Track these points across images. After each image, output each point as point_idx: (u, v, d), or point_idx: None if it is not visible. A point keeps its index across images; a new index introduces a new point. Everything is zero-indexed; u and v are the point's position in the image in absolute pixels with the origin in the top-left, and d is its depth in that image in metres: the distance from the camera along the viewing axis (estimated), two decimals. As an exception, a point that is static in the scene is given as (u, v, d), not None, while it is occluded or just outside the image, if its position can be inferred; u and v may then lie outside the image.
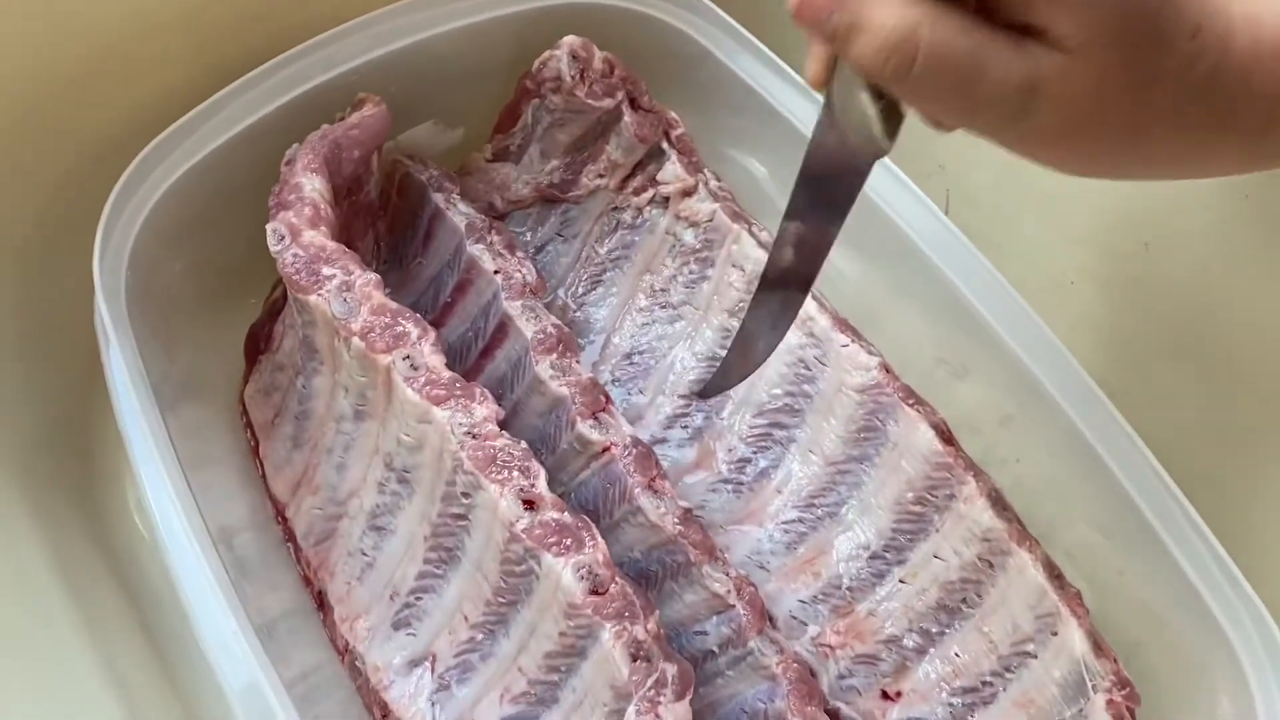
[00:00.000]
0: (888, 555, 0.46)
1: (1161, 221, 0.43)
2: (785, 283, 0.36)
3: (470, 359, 0.48)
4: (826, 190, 0.34)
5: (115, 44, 0.45)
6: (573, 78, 0.49)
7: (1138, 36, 0.26)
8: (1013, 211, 0.48)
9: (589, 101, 0.49)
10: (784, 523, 0.48)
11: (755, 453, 0.49)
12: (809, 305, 0.48)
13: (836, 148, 0.32)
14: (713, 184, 0.51)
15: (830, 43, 0.28)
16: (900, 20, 0.26)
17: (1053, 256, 0.48)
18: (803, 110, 0.49)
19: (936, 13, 0.26)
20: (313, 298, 0.41)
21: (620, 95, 0.50)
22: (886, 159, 0.48)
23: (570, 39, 0.48)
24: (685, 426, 0.50)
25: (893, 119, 0.29)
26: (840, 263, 0.52)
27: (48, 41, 0.43)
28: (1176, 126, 0.28)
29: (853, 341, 0.47)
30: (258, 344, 0.49)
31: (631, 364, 0.51)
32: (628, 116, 0.50)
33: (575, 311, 0.53)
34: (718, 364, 0.50)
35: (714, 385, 0.42)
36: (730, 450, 0.50)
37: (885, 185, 0.48)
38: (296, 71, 0.45)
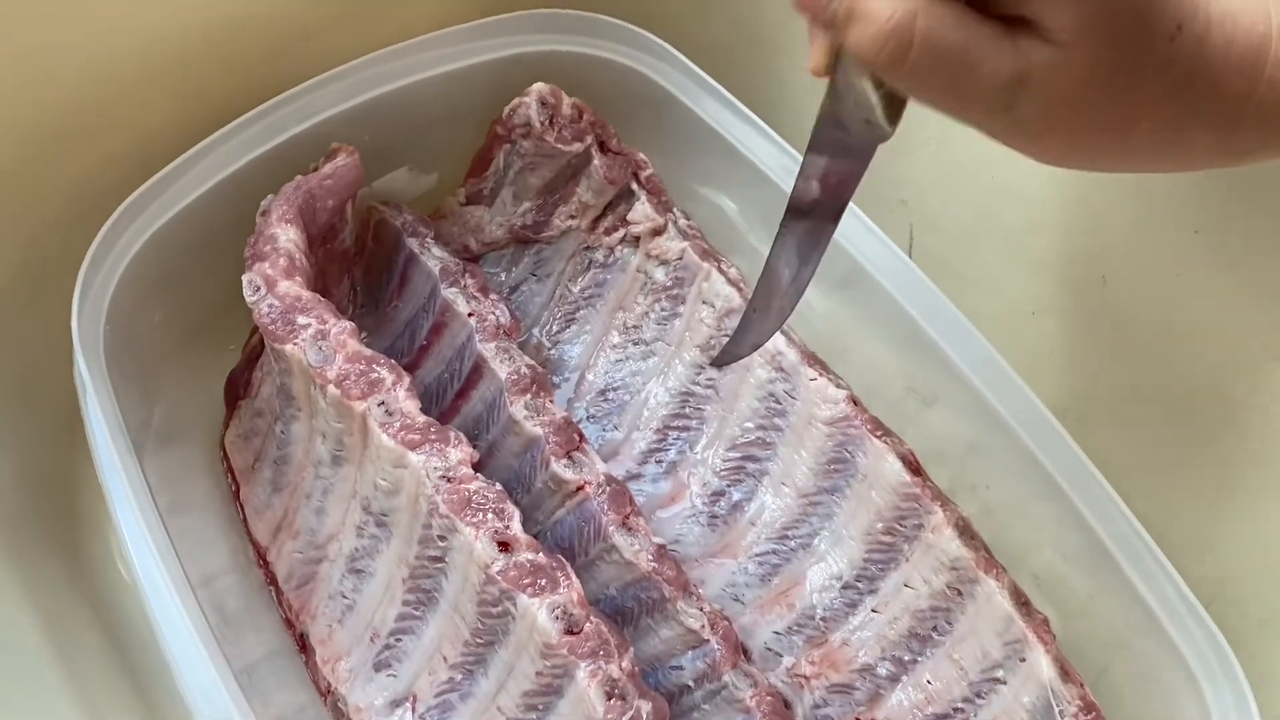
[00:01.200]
0: (860, 585, 0.47)
1: (1118, 255, 0.44)
2: (812, 214, 0.37)
3: (446, 400, 0.49)
4: (836, 170, 0.35)
5: (91, 99, 0.46)
6: (542, 123, 0.50)
7: (1124, 33, 0.28)
8: (975, 245, 0.49)
9: (559, 146, 0.50)
10: (758, 555, 0.49)
11: (729, 485, 0.50)
12: (778, 339, 0.49)
13: (840, 137, 0.33)
14: (682, 223, 0.52)
15: (829, 30, 0.29)
16: (897, 9, 0.27)
17: (1014, 288, 0.49)
18: (765, 151, 0.51)
19: (931, 3, 0.27)
20: (288, 347, 0.42)
21: (589, 139, 0.51)
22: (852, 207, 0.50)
23: (539, 86, 0.49)
24: (660, 461, 0.51)
25: (894, 105, 0.30)
26: (810, 297, 0.53)
27: (24, 97, 0.44)
28: (1156, 120, 0.29)
29: (821, 375, 0.48)
30: (237, 390, 0.49)
31: (606, 400, 0.52)
32: (597, 159, 0.51)
33: (550, 350, 0.54)
34: (690, 399, 0.51)
35: (729, 352, 0.42)
36: (704, 484, 0.50)
37: (848, 224, 0.49)
38: (270, 124, 0.46)
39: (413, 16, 0.51)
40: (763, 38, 0.55)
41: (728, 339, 0.42)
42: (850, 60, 0.30)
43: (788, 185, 0.50)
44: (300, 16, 0.49)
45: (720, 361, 0.44)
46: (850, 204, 0.49)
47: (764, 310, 0.40)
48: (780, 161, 0.50)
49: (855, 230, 0.49)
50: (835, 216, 0.36)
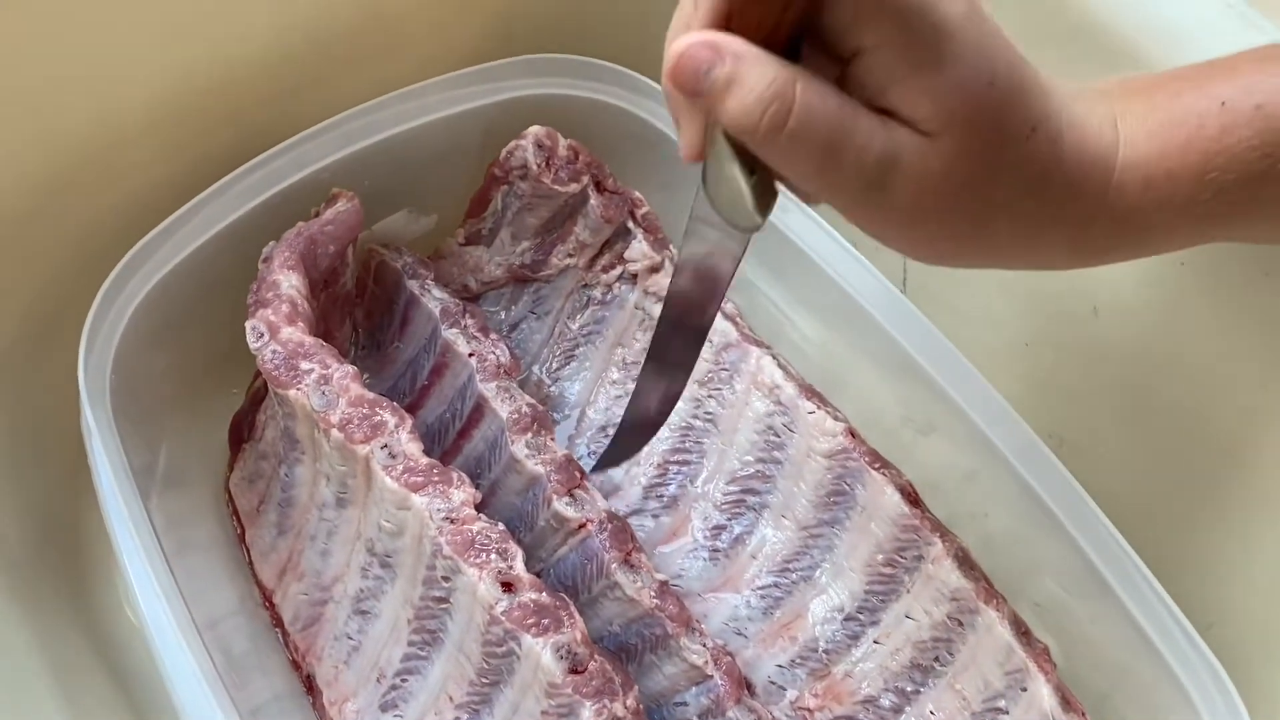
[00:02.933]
0: (861, 617, 0.48)
1: (1108, 287, 0.45)
2: (686, 314, 0.37)
3: (448, 440, 0.49)
4: (706, 272, 0.35)
5: (94, 151, 0.47)
6: (539, 165, 0.51)
7: (984, 130, 0.29)
8: (969, 278, 0.50)
9: (556, 187, 0.51)
10: (760, 588, 0.49)
11: (730, 519, 0.51)
12: (775, 373, 0.49)
13: (715, 225, 0.33)
14: (676, 257, 0.53)
15: (707, 99, 0.29)
16: (777, 76, 0.28)
17: (1008, 321, 0.50)
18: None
19: (809, 75, 0.28)
20: (292, 392, 0.43)
21: (585, 179, 0.51)
22: (842, 238, 0.51)
23: (535, 129, 0.50)
24: (660, 496, 0.52)
25: (765, 194, 0.31)
26: (805, 329, 0.54)
27: (29, 149, 0.45)
28: (1014, 215, 0.31)
29: (819, 408, 0.49)
30: (241, 433, 0.50)
31: (606, 436, 0.53)
32: (593, 199, 0.52)
33: (550, 387, 0.54)
34: (690, 433, 0.52)
35: (607, 459, 0.43)
36: (705, 518, 0.51)
37: (843, 260, 0.50)
38: (271, 172, 0.47)
39: (409, 64, 0.51)
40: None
41: (609, 446, 0.43)
42: (723, 145, 0.30)
43: (779, 220, 0.51)
44: (299, 66, 0.50)
45: (598, 469, 0.45)
46: (844, 240, 0.50)
47: (640, 420, 0.41)
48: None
49: (849, 266, 0.50)
50: (707, 320, 0.36)
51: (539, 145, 0.50)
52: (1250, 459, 0.42)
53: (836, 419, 0.48)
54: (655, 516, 0.51)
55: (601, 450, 0.53)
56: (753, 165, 0.30)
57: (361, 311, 0.52)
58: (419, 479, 0.42)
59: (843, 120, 0.28)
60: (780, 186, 0.32)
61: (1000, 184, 0.30)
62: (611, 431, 0.53)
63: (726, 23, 0.29)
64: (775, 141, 0.28)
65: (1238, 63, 0.32)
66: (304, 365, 0.43)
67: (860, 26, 0.28)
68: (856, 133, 0.28)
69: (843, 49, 0.29)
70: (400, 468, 0.42)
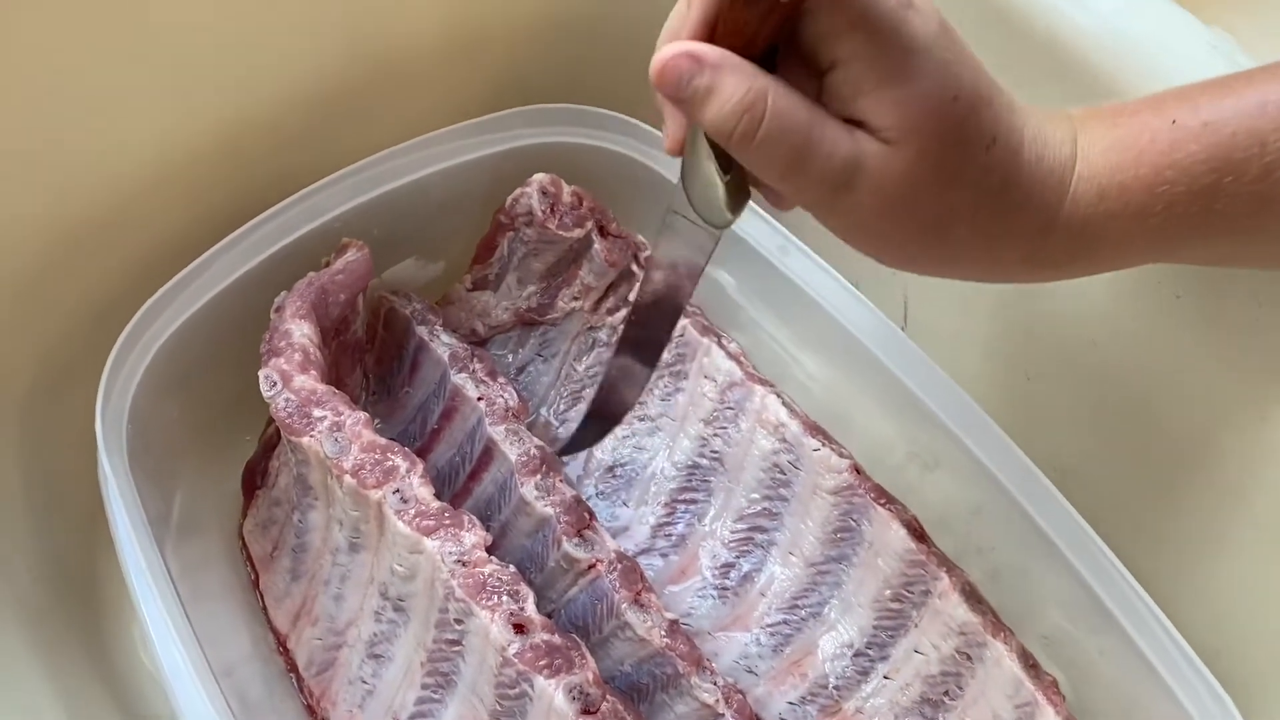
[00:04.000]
0: (870, 652, 0.48)
1: (1105, 319, 0.46)
2: (656, 305, 0.40)
3: (458, 483, 0.50)
4: (671, 279, 0.38)
5: (110, 206, 0.48)
6: (544, 211, 0.52)
7: (944, 138, 0.31)
8: (968, 314, 0.51)
9: (560, 232, 0.52)
10: (769, 625, 0.50)
11: (738, 557, 0.51)
12: (780, 411, 0.50)
13: (681, 232, 0.36)
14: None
15: (688, 106, 0.31)
16: (752, 86, 0.30)
17: (1009, 354, 0.51)
18: (758, 230, 0.52)
19: (781, 86, 0.30)
20: (305, 439, 0.43)
21: (589, 224, 0.52)
22: (842, 278, 0.51)
23: (539, 176, 0.51)
24: (669, 535, 0.52)
25: (737, 193, 0.34)
26: (809, 368, 0.54)
27: (45, 204, 0.46)
28: (973, 224, 0.32)
29: (824, 445, 0.49)
30: (254, 480, 0.51)
31: (614, 477, 0.53)
32: (598, 243, 0.53)
33: (558, 428, 0.55)
34: (696, 471, 0.53)
35: (575, 442, 0.46)
36: (714, 556, 0.51)
37: (843, 299, 0.51)
38: (282, 224, 0.48)
39: (415, 115, 0.53)
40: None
41: (577, 429, 0.46)
42: (701, 145, 0.33)
43: (780, 261, 0.52)
44: (308, 120, 0.52)
45: (565, 451, 0.48)
46: (845, 280, 0.51)
47: (610, 400, 0.44)
48: (773, 239, 0.52)
49: (850, 305, 0.50)
50: (677, 310, 0.39)
51: (543, 192, 0.51)
52: (1251, 487, 0.43)
53: (841, 455, 0.49)
54: (664, 555, 0.52)
55: (610, 489, 0.54)
56: (728, 165, 0.33)
57: (372, 358, 0.53)
58: (431, 523, 0.42)
59: (811, 128, 0.30)
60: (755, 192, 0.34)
61: (960, 191, 0.32)
62: (620, 471, 0.53)
63: (712, 29, 0.31)
64: (748, 146, 0.31)
65: (1193, 90, 0.34)
66: (316, 412, 0.44)
67: (834, 40, 0.30)
68: (824, 140, 0.30)
69: (819, 60, 0.31)
70: (412, 512, 0.42)
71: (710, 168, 0.33)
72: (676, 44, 0.31)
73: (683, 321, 0.53)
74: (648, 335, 0.41)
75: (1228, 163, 0.32)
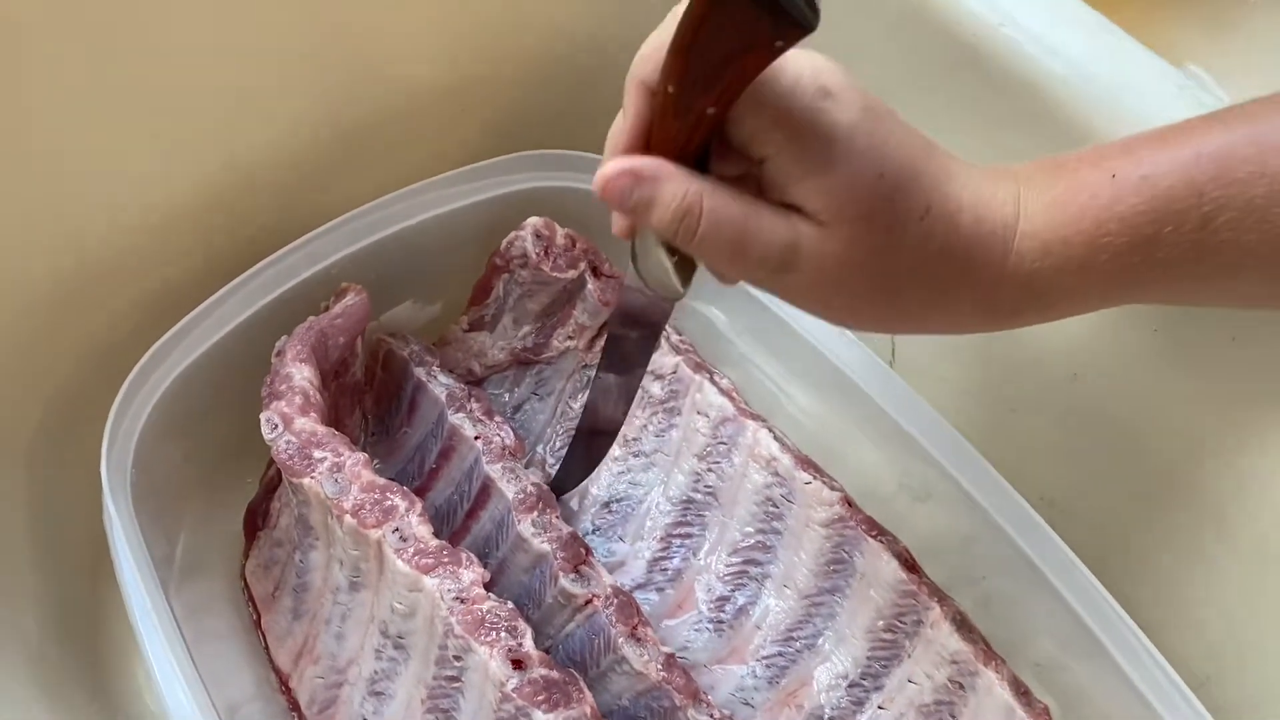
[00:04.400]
0: (865, 683, 0.49)
1: (1086, 354, 0.47)
2: (625, 360, 0.44)
3: (457, 521, 0.51)
4: (640, 326, 0.41)
5: (114, 254, 0.49)
6: (538, 253, 0.53)
7: (874, 217, 0.32)
8: (954, 349, 0.52)
9: (554, 274, 0.53)
10: (765, 657, 0.50)
11: (733, 590, 0.52)
12: (772, 446, 0.51)
13: (643, 293, 0.38)
14: (674, 338, 0.55)
15: (633, 215, 0.34)
16: (687, 191, 0.32)
17: (994, 388, 0.52)
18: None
19: (714, 186, 0.33)
20: (306, 480, 0.44)
21: (583, 265, 0.54)
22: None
23: (533, 219, 0.53)
24: (665, 569, 0.53)
25: (685, 270, 0.36)
26: (801, 403, 0.56)
27: (54, 252, 0.48)
28: (919, 288, 0.34)
29: (815, 478, 0.50)
30: (256, 521, 0.51)
31: (610, 512, 0.54)
32: (590, 284, 0.54)
33: (554, 465, 0.56)
34: (691, 506, 0.54)
35: (562, 481, 0.51)
36: (709, 590, 0.52)
37: (832, 337, 0.52)
38: (282, 270, 0.49)
39: (411, 162, 0.54)
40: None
41: (561, 468, 0.52)
42: (649, 234, 0.35)
43: (769, 299, 0.53)
44: (306, 168, 0.53)
45: (559, 491, 0.51)
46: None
47: (589, 442, 0.48)
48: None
49: (838, 342, 0.52)
50: (644, 361, 0.43)
51: (537, 235, 0.53)
52: (1231, 516, 0.44)
53: (833, 488, 0.50)
54: (660, 590, 0.53)
55: (606, 525, 0.54)
56: (674, 249, 0.35)
57: (371, 399, 0.54)
58: (429, 560, 0.43)
59: (746, 221, 0.32)
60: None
61: (900, 259, 0.33)
62: (615, 507, 0.54)
63: (647, 137, 0.33)
64: (690, 244, 0.33)
65: (1134, 142, 0.35)
66: (317, 454, 0.45)
67: (761, 138, 0.32)
68: (760, 229, 0.32)
69: (750, 157, 0.33)
70: (411, 550, 0.43)
71: (660, 253, 0.36)
72: (616, 161, 0.33)
73: (675, 358, 0.54)
74: (626, 361, 0.44)
75: (1167, 213, 0.33)
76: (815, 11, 0.28)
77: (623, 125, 0.34)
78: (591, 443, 0.49)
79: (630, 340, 0.42)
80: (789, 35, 0.29)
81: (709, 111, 0.31)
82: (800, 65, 0.32)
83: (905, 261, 0.33)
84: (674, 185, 0.32)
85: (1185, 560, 0.46)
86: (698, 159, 0.33)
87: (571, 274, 0.54)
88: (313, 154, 0.53)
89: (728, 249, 0.33)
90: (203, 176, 0.50)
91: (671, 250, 0.35)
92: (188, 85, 0.47)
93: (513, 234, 0.53)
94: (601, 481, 0.55)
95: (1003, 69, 0.43)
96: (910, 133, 0.33)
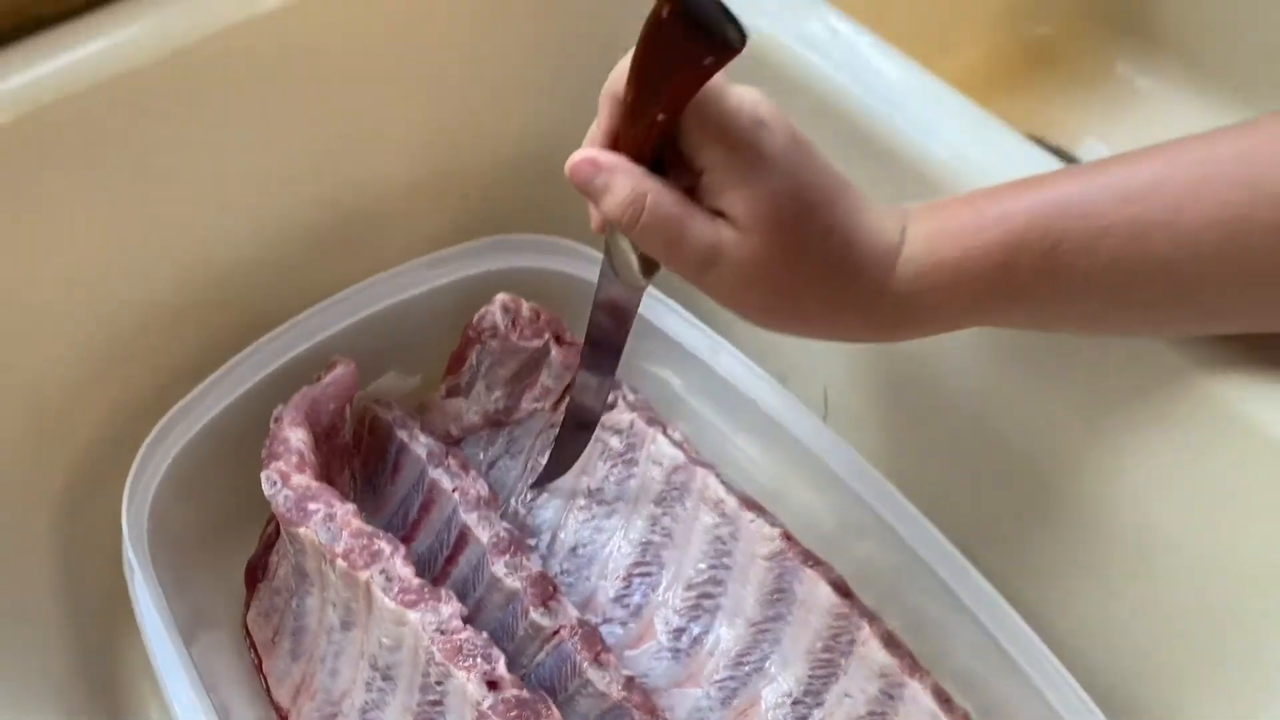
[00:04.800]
0: (807, 700, 0.54)
1: (986, 397, 0.54)
2: (601, 346, 0.51)
3: (437, 566, 0.56)
4: (614, 315, 0.49)
5: (131, 334, 0.56)
6: (506, 325, 0.59)
7: (785, 228, 0.39)
8: (877, 400, 0.58)
9: (521, 343, 0.60)
10: (718, 681, 0.56)
11: (689, 622, 0.57)
12: (720, 490, 0.57)
13: (613, 286, 0.47)
14: (630, 397, 0.61)
15: (592, 198, 0.41)
16: (636, 186, 0.39)
17: (912, 432, 0.58)
18: (691, 336, 0.60)
19: (660, 185, 0.40)
20: (302, 529, 0.50)
21: (546, 335, 0.60)
22: (767, 374, 0.59)
23: (501, 296, 0.59)
24: (627, 605, 0.58)
25: (648, 264, 0.43)
26: (745, 451, 0.62)
27: (77, 333, 0.54)
28: (817, 296, 0.41)
29: (758, 518, 0.56)
30: (256, 574, 0.57)
31: (576, 556, 0.60)
32: (554, 351, 0.61)
33: (525, 515, 0.62)
34: (649, 547, 0.59)
35: (546, 476, 0.59)
36: (667, 622, 0.58)
37: (769, 394, 0.58)
38: (278, 345, 0.56)
39: (394, 246, 0.61)
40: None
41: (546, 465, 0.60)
42: (614, 226, 0.43)
43: (713, 360, 0.60)
44: (299, 255, 0.60)
45: (540, 483, 0.59)
46: (770, 375, 0.59)
47: (573, 431, 0.56)
48: (705, 343, 0.60)
49: (776, 397, 0.58)
50: (618, 350, 0.51)
51: (505, 309, 0.60)
52: (1119, 534, 0.50)
53: (773, 525, 0.56)
54: (623, 624, 0.58)
55: (574, 568, 0.60)
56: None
57: (359, 459, 0.60)
58: (413, 597, 0.49)
59: (682, 219, 0.39)
60: None
61: (803, 269, 0.40)
62: (581, 551, 0.60)
63: (614, 140, 0.41)
64: (633, 231, 0.40)
65: (1001, 187, 0.42)
66: (311, 506, 0.51)
67: (701, 153, 0.39)
68: (693, 228, 0.39)
69: (694, 165, 0.40)
70: (396, 589, 0.49)
71: (625, 244, 0.43)
72: (584, 150, 0.41)
73: (632, 415, 0.60)
74: (601, 359, 0.52)
75: (1020, 244, 0.40)
76: (741, 35, 0.35)
77: (595, 129, 0.41)
78: (576, 436, 0.56)
79: (606, 330, 0.50)
80: (720, 54, 0.36)
81: (659, 118, 0.39)
82: (742, 95, 0.39)
83: (806, 271, 0.40)
84: (626, 178, 0.39)
85: (1085, 578, 0.51)
86: (653, 162, 0.40)
87: (537, 343, 0.60)
88: (304, 244, 0.60)
89: (663, 240, 0.40)
90: (210, 266, 0.57)
91: (634, 243, 0.42)
92: (197, 190, 0.54)
93: (483, 309, 0.60)
94: (569, 528, 0.61)
95: (893, 149, 0.50)
96: (827, 166, 0.41)
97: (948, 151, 0.49)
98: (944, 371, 0.54)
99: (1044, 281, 0.41)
